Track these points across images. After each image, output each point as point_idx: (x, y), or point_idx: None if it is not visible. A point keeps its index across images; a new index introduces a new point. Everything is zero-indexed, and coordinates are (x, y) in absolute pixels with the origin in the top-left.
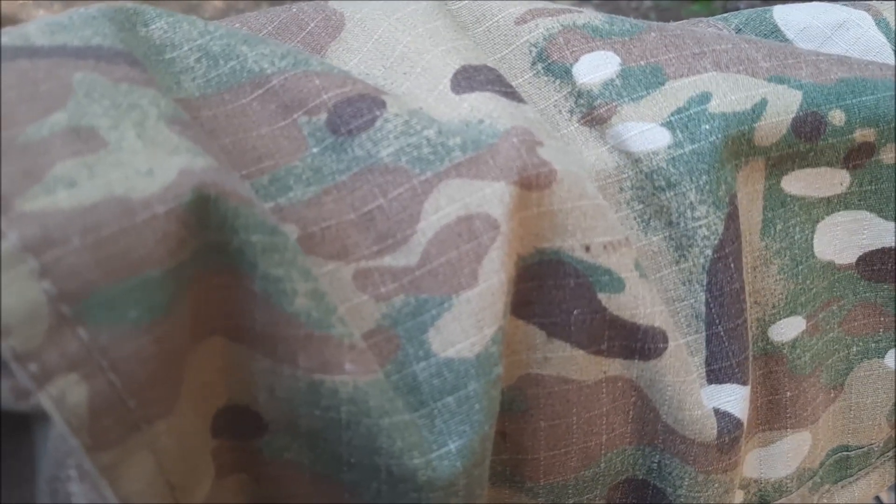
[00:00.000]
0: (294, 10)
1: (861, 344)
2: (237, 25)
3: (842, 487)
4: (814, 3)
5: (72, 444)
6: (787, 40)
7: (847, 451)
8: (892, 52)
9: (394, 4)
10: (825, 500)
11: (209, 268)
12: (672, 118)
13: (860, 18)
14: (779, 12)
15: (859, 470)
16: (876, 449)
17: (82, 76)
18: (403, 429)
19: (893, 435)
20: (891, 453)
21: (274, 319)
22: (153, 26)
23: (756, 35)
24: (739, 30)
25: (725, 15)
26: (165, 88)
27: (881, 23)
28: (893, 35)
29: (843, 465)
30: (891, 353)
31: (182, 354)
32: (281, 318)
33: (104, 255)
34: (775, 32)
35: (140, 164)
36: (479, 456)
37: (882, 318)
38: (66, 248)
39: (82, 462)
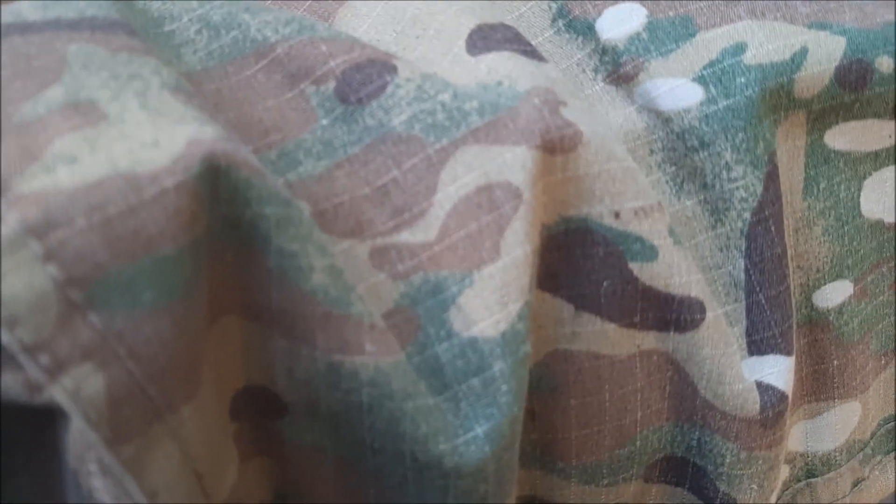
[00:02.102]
0: None
1: None
2: None
3: (894, 459)
4: None
5: (91, 437)
6: None
7: None
8: None
9: None
10: (877, 472)
11: (222, 243)
12: (704, 72)
13: None
14: None
15: None
16: None
17: (78, 48)
18: (427, 413)
19: None
20: None
21: (290, 297)
22: None
23: None
24: None
25: None
26: (166, 62)
27: None
28: None
29: (895, 434)
30: None
31: (200, 336)
32: (297, 296)
33: (113, 234)
34: None
35: (145, 136)
36: (509, 440)
37: None
38: (71, 229)
39: (103, 456)
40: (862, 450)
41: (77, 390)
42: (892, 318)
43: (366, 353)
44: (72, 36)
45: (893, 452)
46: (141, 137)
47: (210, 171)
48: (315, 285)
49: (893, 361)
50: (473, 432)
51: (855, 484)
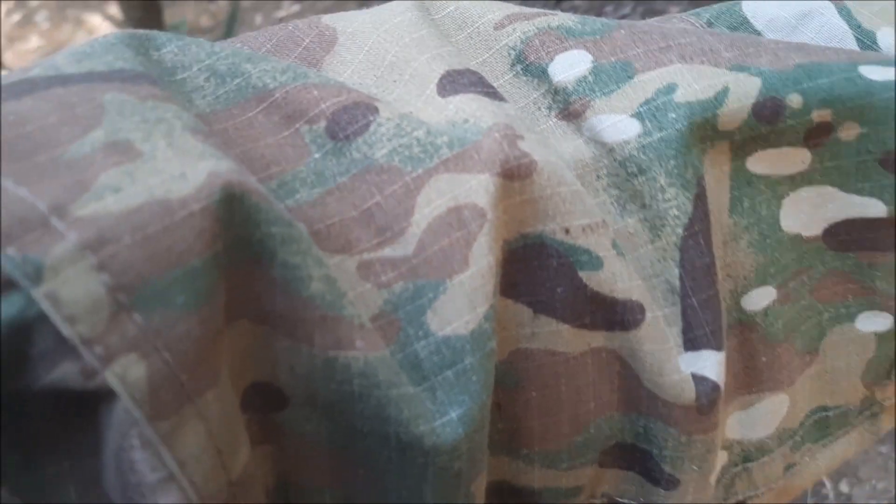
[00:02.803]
0: (290, 27)
1: (832, 310)
2: (239, 45)
3: (823, 447)
4: None
5: (135, 415)
6: (756, 31)
7: (826, 411)
8: (854, 39)
9: (381, 17)
10: (807, 459)
11: (237, 257)
12: (641, 109)
13: (823, 7)
14: (747, 5)
15: (839, 429)
16: (853, 409)
17: (112, 96)
18: (409, 400)
19: (868, 394)
20: (868, 412)
21: (292, 303)
22: (164, 50)
23: (727, 27)
24: (711, 23)
25: (697, 10)
26: (184, 107)
27: (843, 10)
28: (855, 22)
29: (822, 425)
30: (860, 317)
31: (220, 335)
32: (298, 302)
33: (152, 249)
34: (745, 24)
35: (173, 170)
36: (479, 423)
37: (850, 286)
38: (119, 245)
39: (144, 431)
40: (792, 437)
41: (124, 375)
42: (814, 321)
43: (356, 349)
44: (105, 86)
45: (822, 441)
46: (171, 171)
47: (227, 197)
48: (313, 292)
49: (817, 359)
50: (448, 416)
51: (787, 468)
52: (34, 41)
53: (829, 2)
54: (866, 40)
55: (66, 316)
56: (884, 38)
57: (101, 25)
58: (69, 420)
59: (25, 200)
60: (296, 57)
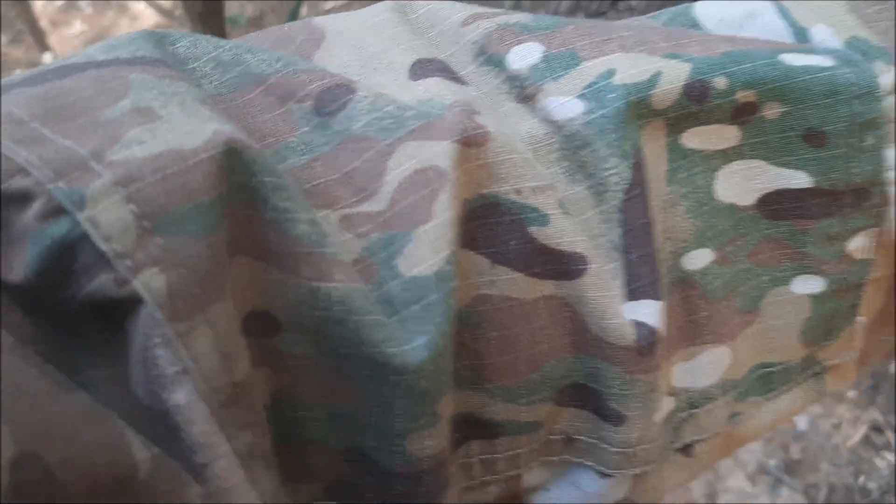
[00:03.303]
0: (286, 28)
1: (769, 274)
2: (239, 41)
3: (767, 400)
4: None
5: (157, 316)
6: (707, 31)
7: (769, 367)
8: (791, 34)
9: (362, 17)
10: (752, 410)
11: (236, 201)
12: (585, 91)
13: (764, 7)
14: (698, 8)
15: (782, 385)
16: (794, 366)
17: (136, 76)
18: (382, 326)
19: (809, 354)
20: (810, 371)
21: (283, 240)
22: (178, 45)
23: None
24: (667, 25)
25: (654, 14)
26: (194, 86)
27: (781, 10)
28: (792, 19)
29: (766, 380)
30: (795, 280)
31: (225, 262)
32: (288, 240)
33: (169, 186)
34: (696, 26)
35: (186, 128)
36: (441, 349)
37: (784, 251)
38: (143, 182)
39: (165, 330)
40: (735, 388)
41: (148, 284)
42: (753, 283)
43: (336, 280)
44: (130, 68)
45: (766, 395)
46: (184, 129)
47: (229, 150)
48: (300, 232)
49: (757, 318)
50: (416, 342)
51: (731, 416)
52: (77, 26)
53: (769, 2)
54: (801, 36)
55: (103, 236)
56: (818, 33)
57: (144, 12)
58: (104, 333)
59: (71, 148)
60: (291, 52)
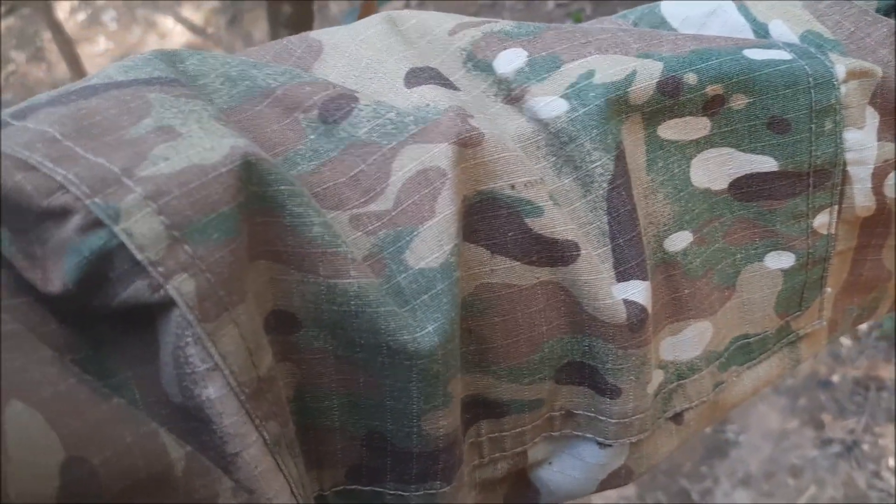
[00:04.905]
0: (284, 42)
1: (743, 252)
2: (243, 57)
3: (748, 369)
4: None
5: (189, 318)
6: (673, 29)
7: (747, 338)
8: (751, 31)
9: (357, 31)
10: (734, 378)
11: (254, 209)
12: (568, 91)
13: (725, 6)
14: (665, 7)
15: (760, 354)
16: (770, 336)
17: (154, 95)
18: (395, 316)
19: (783, 324)
20: (785, 340)
21: (300, 242)
22: (187, 62)
23: (648, 27)
24: (636, 24)
25: (624, 12)
26: (207, 102)
27: (741, 8)
28: (751, 16)
29: (745, 350)
30: (767, 256)
31: (246, 266)
32: (304, 241)
33: (194, 199)
34: (663, 24)
35: (205, 144)
36: (450, 334)
37: (756, 230)
38: (171, 196)
39: (196, 330)
40: (718, 359)
41: (180, 288)
42: (729, 261)
43: (351, 277)
44: (149, 88)
45: (746, 364)
46: (203, 145)
47: (245, 163)
48: (315, 234)
49: (734, 294)
50: (426, 329)
51: (716, 385)
52: (102, 43)
53: (729, 0)
54: (760, 31)
55: (137, 245)
56: (775, 28)
57: (173, 29)
58: (132, 336)
59: (103, 165)
60: (290, 64)
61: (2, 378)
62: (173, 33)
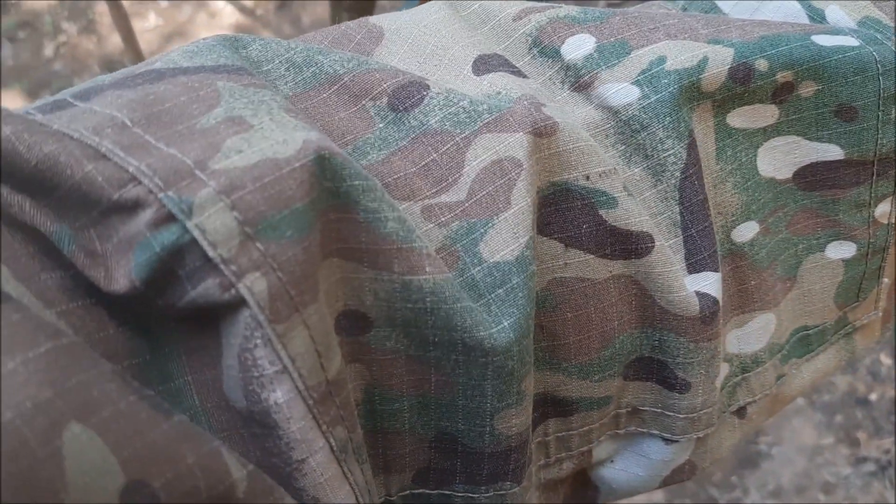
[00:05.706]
0: (342, 28)
1: (805, 242)
2: (306, 44)
3: (807, 361)
4: None
5: (259, 318)
6: (723, 13)
7: (807, 330)
8: (806, 16)
9: (419, 17)
10: (794, 371)
11: (327, 205)
12: (639, 77)
13: None
14: None
15: (819, 346)
16: (829, 327)
17: (223, 84)
18: (471, 311)
19: (841, 315)
20: (842, 332)
21: (374, 239)
22: (250, 48)
23: (698, 12)
24: (685, 9)
25: None
26: (274, 91)
27: None
28: (807, 2)
29: (805, 341)
30: (829, 246)
31: (318, 264)
32: (379, 238)
33: (267, 194)
34: (714, 9)
35: (278, 137)
36: (525, 330)
37: (819, 220)
38: (244, 191)
39: (266, 331)
40: (780, 351)
41: (252, 287)
42: (791, 251)
43: (427, 273)
44: (216, 76)
45: (805, 356)
46: (275, 138)
47: (319, 158)
48: (390, 230)
49: (796, 284)
50: (502, 325)
51: (778, 378)
52: (152, 19)
53: None
54: (816, 17)
55: (210, 242)
56: (832, 14)
57: (224, 10)
58: (192, 339)
59: (176, 156)
60: (350, 50)
61: (61, 399)
62: (223, 13)
